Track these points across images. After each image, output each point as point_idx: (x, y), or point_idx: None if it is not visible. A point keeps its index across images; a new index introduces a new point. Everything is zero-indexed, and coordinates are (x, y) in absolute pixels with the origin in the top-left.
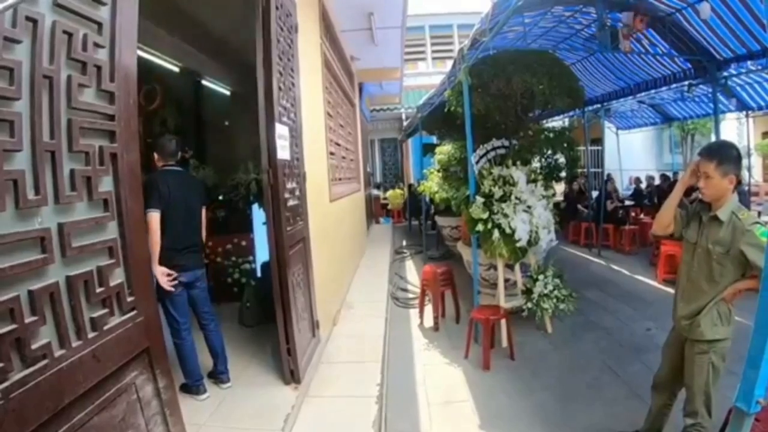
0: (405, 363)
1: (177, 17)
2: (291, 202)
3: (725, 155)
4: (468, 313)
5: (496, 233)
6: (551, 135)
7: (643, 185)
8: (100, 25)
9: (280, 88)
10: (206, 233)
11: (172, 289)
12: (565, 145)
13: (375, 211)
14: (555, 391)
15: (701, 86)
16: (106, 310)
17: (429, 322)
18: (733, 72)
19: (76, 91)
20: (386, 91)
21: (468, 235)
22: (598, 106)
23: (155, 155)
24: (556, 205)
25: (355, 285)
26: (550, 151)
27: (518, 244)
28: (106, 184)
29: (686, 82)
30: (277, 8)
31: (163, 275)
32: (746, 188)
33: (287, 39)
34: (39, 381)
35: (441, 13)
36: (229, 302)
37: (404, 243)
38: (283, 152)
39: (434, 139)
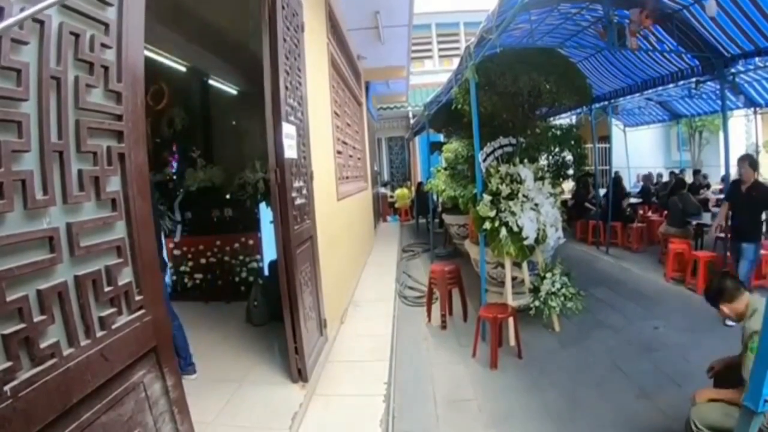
0: (412, 361)
1: (183, 17)
2: (298, 201)
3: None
4: (475, 311)
5: (503, 231)
6: (558, 132)
7: (654, 182)
8: (106, 25)
9: (286, 88)
10: (215, 232)
11: None
12: (573, 142)
13: (382, 209)
14: (563, 390)
15: (709, 83)
16: (114, 309)
17: (436, 320)
18: (741, 68)
19: (84, 92)
20: (393, 89)
21: (475, 234)
22: (606, 103)
23: None
24: (564, 203)
25: (362, 283)
26: (557, 149)
27: (525, 242)
28: (113, 184)
29: (693, 79)
30: (283, 7)
31: None
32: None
33: (294, 38)
34: (47, 380)
35: (447, 11)
36: (236, 301)
37: (412, 241)
38: (290, 151)
39: (441, 137)
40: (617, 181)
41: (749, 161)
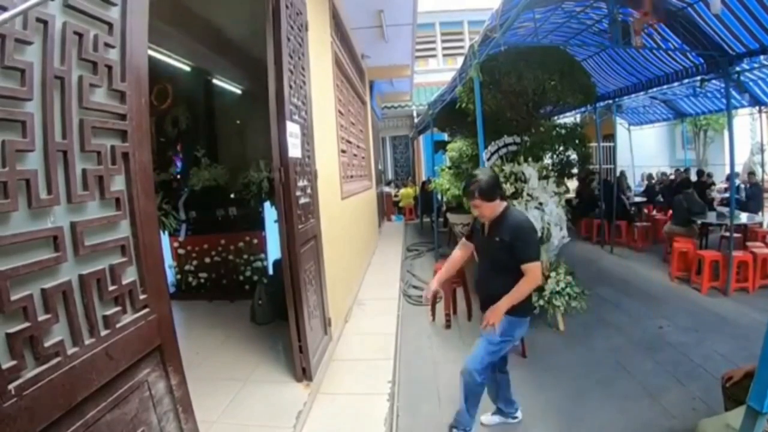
0: (416, 360)
1: (187, 16)
2: (302, 200)
3: None
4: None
5: None
6: (563, 131)
7: (654, 180)
8: (110, 25)
9: (290, 87)
10: (219, 231)
11: None
12: (577, 141)
13: (387, 208)
14: (567, 390)
15: (713, 81)
16: (118, 308)
17: (441, 319)
18: (746, 67)
19: (88, 91)
20: (397, 88)
21: None
22: (610, 101)
23: None
24: (568, 201)
25: (366, 282)
26: (561, 148)
27: None
28: (118, 183)
29: (698, 78)
30: (287, 6)
31: None
32: (761, 185)
33: (297, 37)
34: (52, 378)
35: (451, 9)
36: (241, 300)
37: (416, 240)
38: (294, 150)
39: (445, 136)
40: (619, 178)
41: (481, 186)
